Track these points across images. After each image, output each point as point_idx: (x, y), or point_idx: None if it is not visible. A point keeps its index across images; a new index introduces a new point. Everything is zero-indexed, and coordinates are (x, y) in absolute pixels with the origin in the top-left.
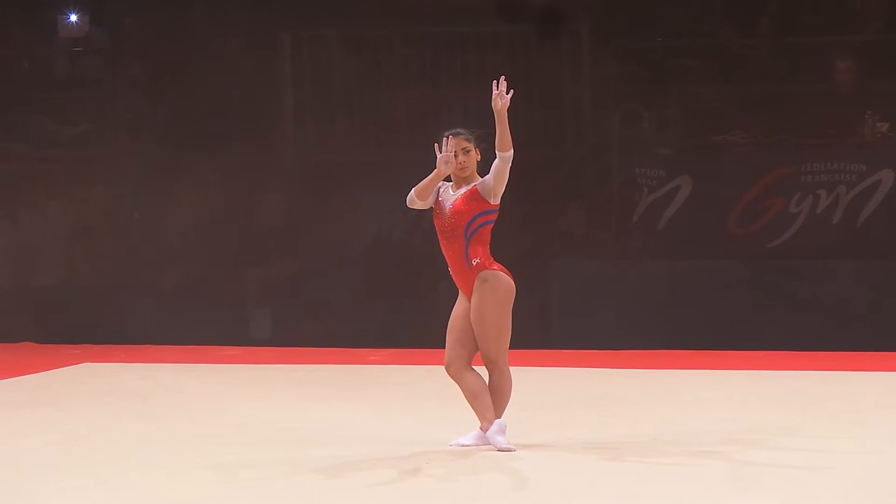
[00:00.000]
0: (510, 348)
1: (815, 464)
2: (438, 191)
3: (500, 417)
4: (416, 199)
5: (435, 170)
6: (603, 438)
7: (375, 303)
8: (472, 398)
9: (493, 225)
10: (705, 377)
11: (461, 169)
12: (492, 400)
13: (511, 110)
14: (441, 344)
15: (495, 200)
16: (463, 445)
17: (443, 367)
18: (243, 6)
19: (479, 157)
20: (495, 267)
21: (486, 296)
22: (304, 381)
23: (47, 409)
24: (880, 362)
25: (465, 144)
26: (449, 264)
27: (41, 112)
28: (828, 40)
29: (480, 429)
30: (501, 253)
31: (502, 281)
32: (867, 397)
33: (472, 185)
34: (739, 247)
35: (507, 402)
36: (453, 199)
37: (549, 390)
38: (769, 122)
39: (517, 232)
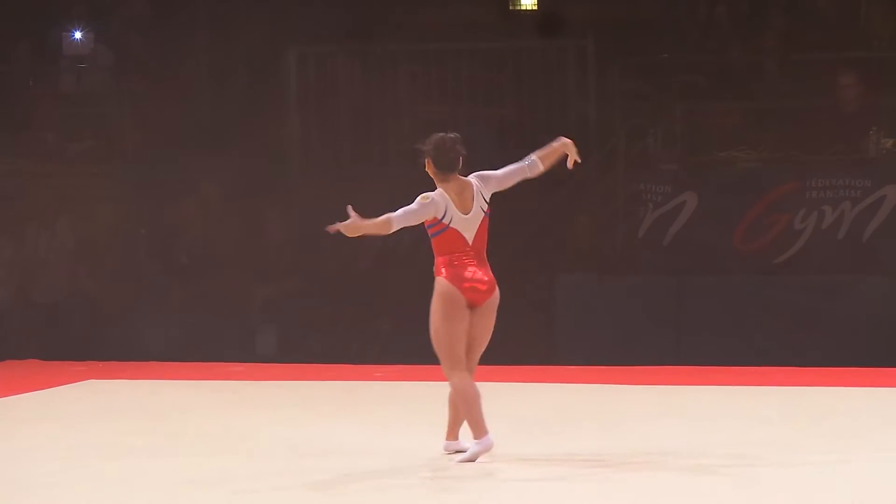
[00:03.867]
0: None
1: (820, 480)
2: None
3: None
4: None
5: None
6: (609, 454)
7: (381, 319)
8: (474, 408)
9: None
10: (710, 393)
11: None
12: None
13: (516, 126)
14: None
15: None
16: (465, 460)
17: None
18: (248, 22)
19: (430, 166)
20: None
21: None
22: (310, 398)
23: (52, 426)
24: (885, 378)
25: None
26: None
27: (47, 128)
28: (833, 57)
29: (475, 439)
30: (507, 268)
31: None
32: (872, 413)
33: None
34: (745, 262)
35: None
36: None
37: (555, 406)
38: (774, 138)
39: (523, 247)
